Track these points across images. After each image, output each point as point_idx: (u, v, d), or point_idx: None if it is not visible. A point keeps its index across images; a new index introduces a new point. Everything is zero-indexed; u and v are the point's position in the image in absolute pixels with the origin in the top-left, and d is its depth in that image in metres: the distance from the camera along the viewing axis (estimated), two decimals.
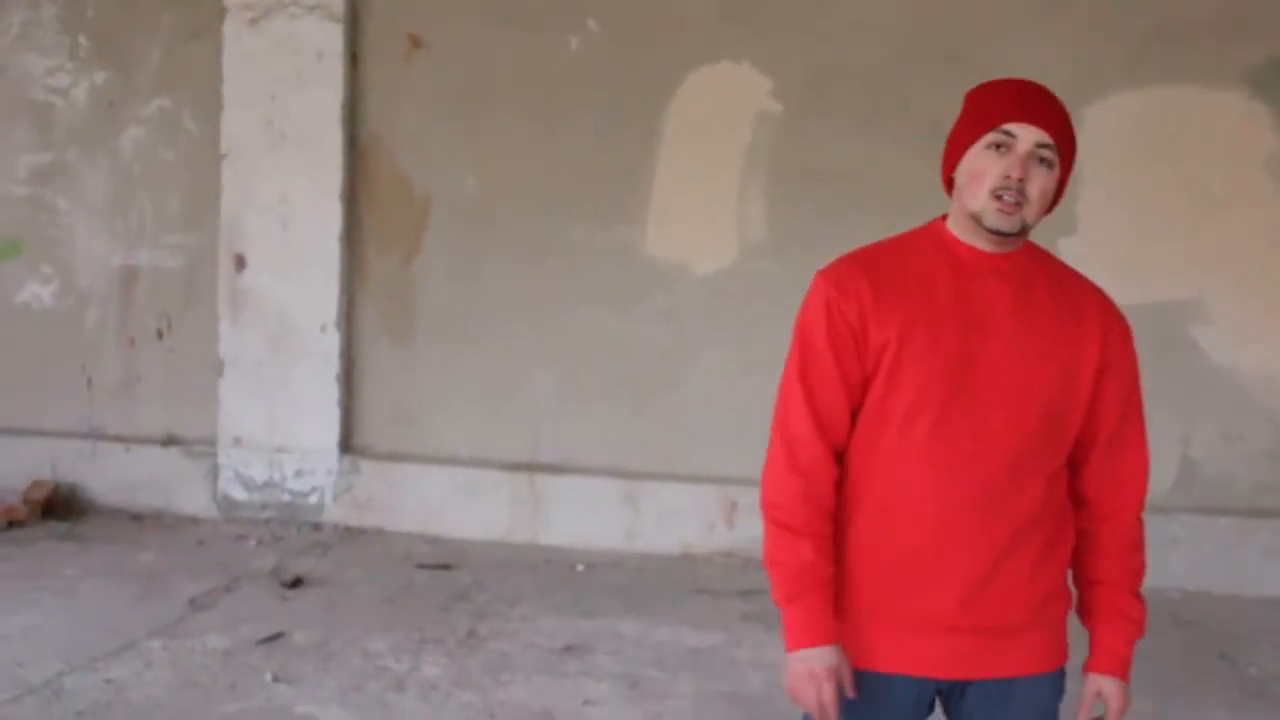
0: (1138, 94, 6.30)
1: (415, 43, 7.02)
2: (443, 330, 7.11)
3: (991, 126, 2.49)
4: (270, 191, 7.07)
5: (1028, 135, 2.47)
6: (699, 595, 6.23)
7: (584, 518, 6.91)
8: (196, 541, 6.87)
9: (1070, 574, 2.70)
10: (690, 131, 6.81)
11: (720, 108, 6.78)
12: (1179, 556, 6.23)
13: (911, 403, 2.52)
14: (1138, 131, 6.28)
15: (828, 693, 2.53)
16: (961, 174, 2.55)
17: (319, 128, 7.01)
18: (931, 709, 2.68)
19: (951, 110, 7.00)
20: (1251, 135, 6.29)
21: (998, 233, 2.51)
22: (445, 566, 6.54)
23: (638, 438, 6.95)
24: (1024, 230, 2.53)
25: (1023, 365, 2.52)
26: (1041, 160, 2.48)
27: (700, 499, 6.82)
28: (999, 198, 2.48)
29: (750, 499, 6.69)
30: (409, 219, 7.11)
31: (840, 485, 2.61)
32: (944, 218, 2.63)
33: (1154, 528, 6.13)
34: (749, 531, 6.73)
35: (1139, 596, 2.67)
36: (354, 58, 7.05)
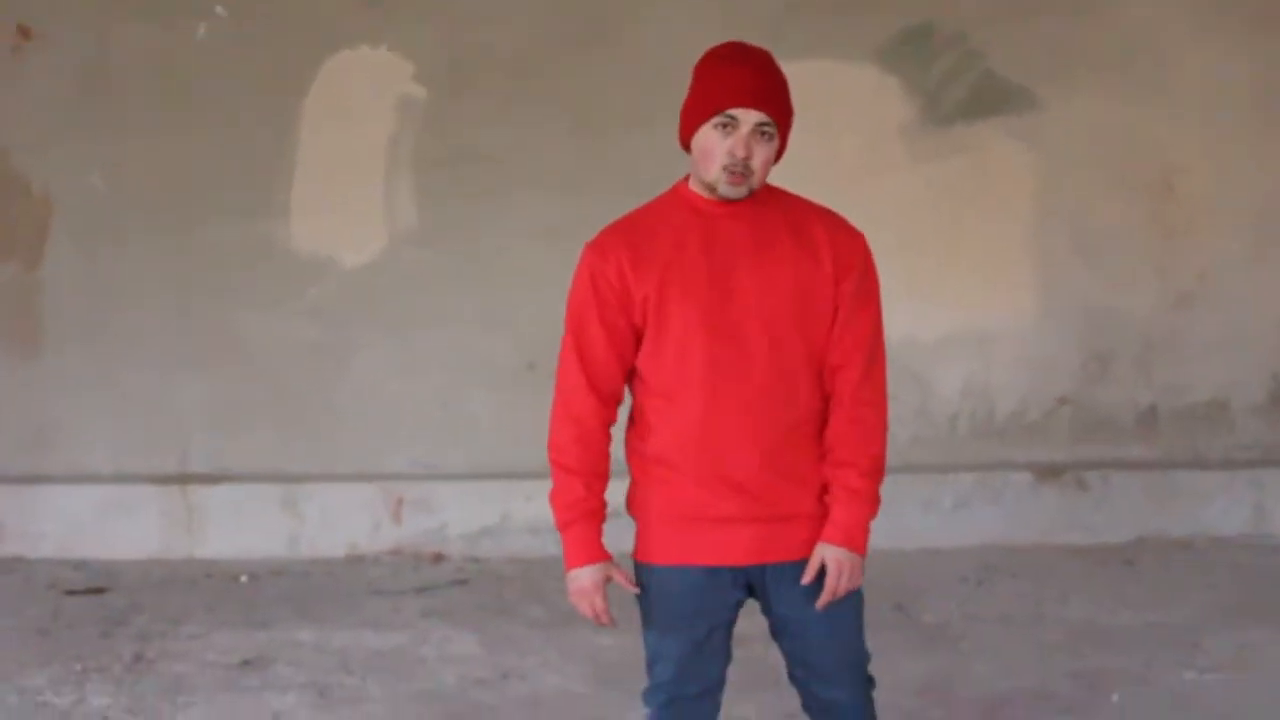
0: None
1: (25, 34, 6.53)
2: (75, 340, 6.65)
3: (716, 111, 2.84)
4: None
5: (749, 118, 2.83)
6: (374, 596, 6.03)
7: (243, 527, 6.58)
8: None
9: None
10: (331, 119, 6.58)
11: (361, 94, 6.57)
12: None
13: (679, 338, 2.90)
14: None
15: (599, 603, 2.97)
16: (695, 148, 2.91)
17: None
18: (745, 594, 3.01)
19: (597, 92, 7.08)
20: (885, 106, 6.54)
21: (729, 199, 2.92)
22: (98, 590, 6.12)
23: (295, 440, 6.69)
24: (752, 192, 2.92)
25: (767, 289, 2.91)
26: (763, 134, 2.85)
27: (364, 498, 6.61)
28: (728, 171, 2.86)
29: (415, 494, 6.61)
30: (29, 223, 6.62)
31: (641, 412, 3.02)
32: (687, 178, 3.01)
33: None
34: (417, 526, 6.58)
35: (869, 476, 2.96)
36: None
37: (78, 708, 4.78)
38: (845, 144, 6.47)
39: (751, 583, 3.00)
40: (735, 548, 2.95)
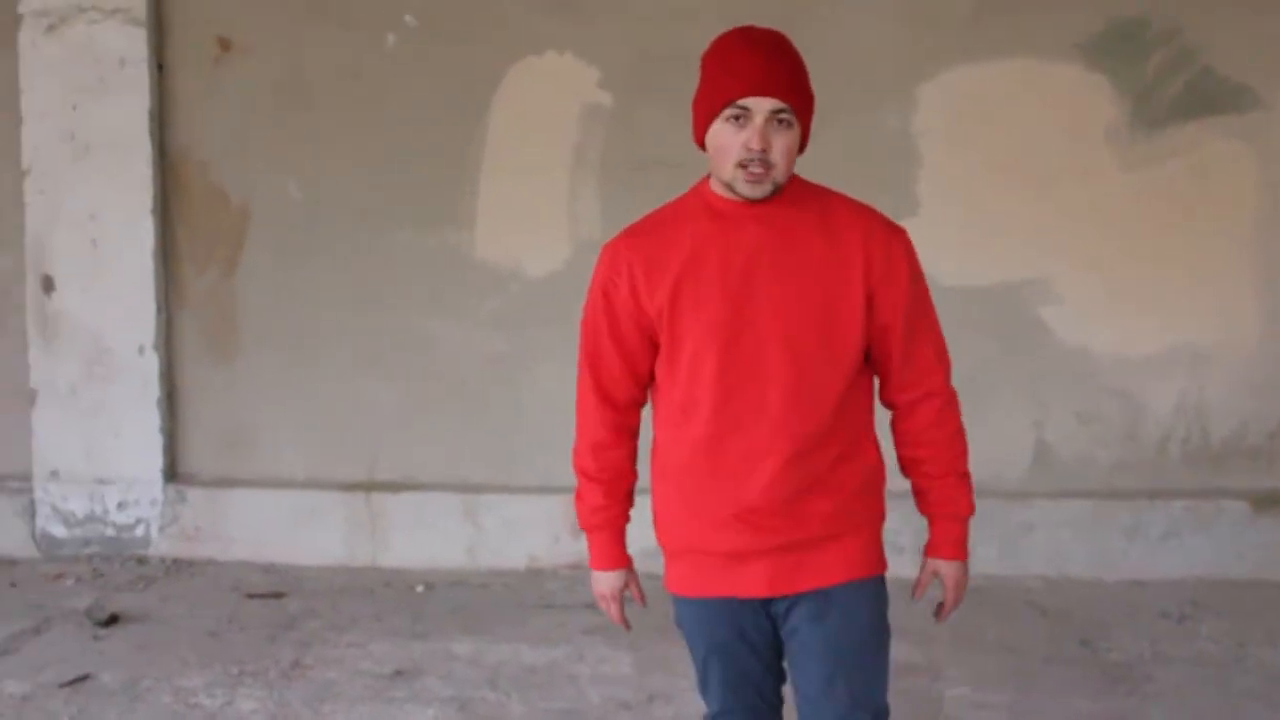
0: (971, 69, 6.11)
1: (224, 45, 6.66)
2: (269, 346, 6.75)
3: (726, 103, 2.64)
4: (77, 208, 6.67)
5: (761, 106, 2.61)
6: (542, 610, 5.92)
7: (424, 536, 6.57)
8: (9, 584, 6.42)
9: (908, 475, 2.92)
10: (517, 127, 6.52)
11: (547, 101, 6.50)
12: (1037, 542, 6.06)
13: (692, 356, 2.73)
14: (973, 107, 6.09)
15: (613, 610, 3.03)
16: (710, 145, 2.71)
17: (126, 139, 6.62)
18: (773, 626, 2.89)
19: None
20: (1090, 106, 6.14)
21: (751, 199, 2.69)
22: (277, 595, 6.18)
23: (476, 449, 6.64)
24: (777, 189, 2.69)
25: (789, 301, 2.68)
26: (780, 122, 2.63)
27: (544, 510, 6.51)
28: (745, 168, 2.63)
29: None
30: (227, 231, 6.75)
31: (658, 427, 2.88)
32: (708, 177, 2.80)
33: (1010, 514, 6.00)
34: None
35: (963, 479, 2.87)
36: (160, 64, 6.68)
37: (224, 710, 4.81)
38: (1046, 148, 6.09)
39: (775, 614, 2.88)
40: (752, 581, 2.81)
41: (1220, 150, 6.17)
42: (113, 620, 5.79)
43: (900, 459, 2.92)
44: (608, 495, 2.96)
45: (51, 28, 6.64)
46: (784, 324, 2.69)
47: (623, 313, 2.80)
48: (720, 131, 2.67)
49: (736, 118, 2.64)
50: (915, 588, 2.94)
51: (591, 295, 2.87)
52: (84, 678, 5.12)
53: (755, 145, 2.62)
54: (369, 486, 6.69)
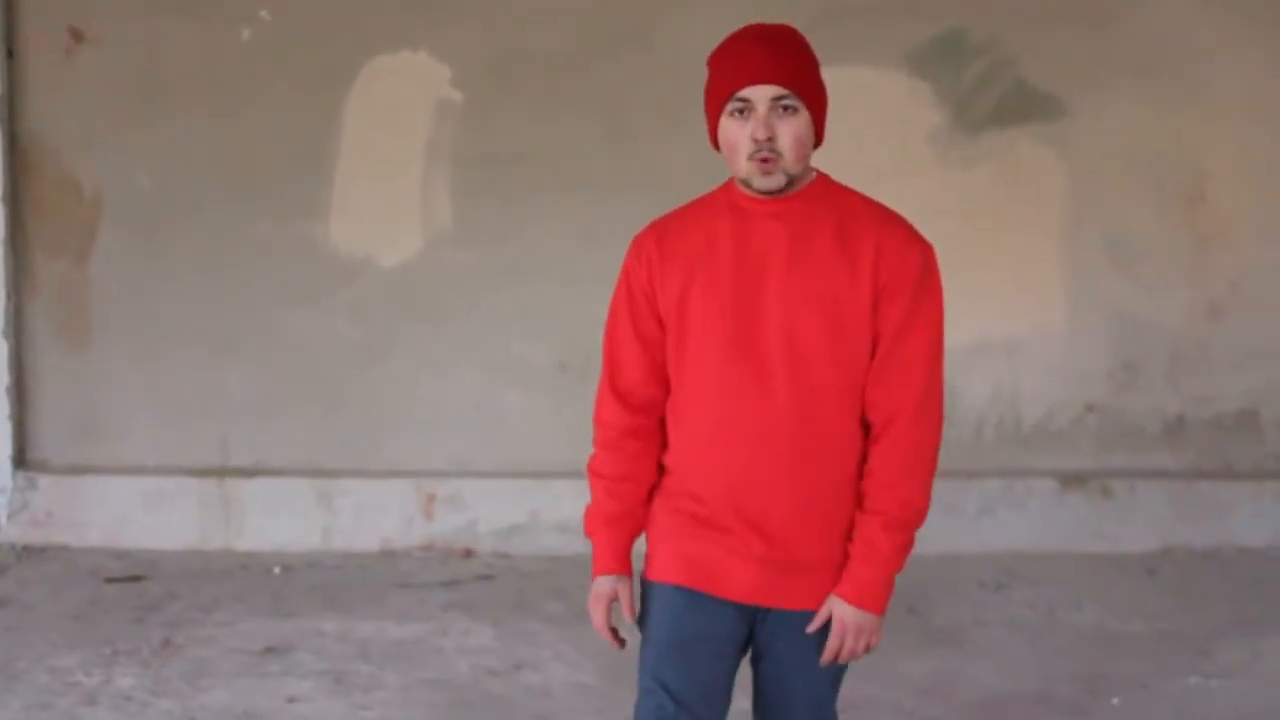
0: None
1: (77, 36, 6.72)
2: (122, 335, 6.82)
3: (727, 96, 2.61)
4: None
5: (762, 94, 2.58)
6: (401, 589, 6.15)
7: (279, 520, 6.73)
8: None
9: None
10: (371, 122, 6.71)
11: (400, 97, 6.71)
12: None
13: (697, 348, 2.69)
14: None
15: (597, 617, 2.80)
16: (722, 144, 2.68)
17: None
18: (748, 635, 2.77)
19: (633, 93, 7.14)
20: (914, 112, 6.59)
21: (766, 192, 2.65)
22: (136, 579, 6.29)
23: (330, 435, 6.82)
24: (792, 180, 2.66)
25: (794, 301, 2.63)
26: (784, 109, 2.59)
27: (397, 493, 6.74)
28: (755, 160, 2.60)
29: (447, 491, 6.74)
30: (79, 220, 6.80)
31: (665, 418, 2.80)
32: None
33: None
34: (448, 523, 6.70)
35: (896, 529, 2.66)
36: (10, 52, 6.71)
37: (104, 688, 4.94)
38: (874, 149, 6.51)
39: (755, 623, 2.77)
40: (742, 582, 2.71)
41: (1031, 154, 6.66)
42: None
43: None
44: (609, 493, 2.79)
45: None
46: (789, 325, 2.63)
47: (642, 300, 2.74)
48: (727, 127, 2.64)
49: (740, 110, 2.60)
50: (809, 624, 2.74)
51: (617, 287, 2.81)
52: None
53: (760, 135, 2.57)
54: (222, 472, 6.83)
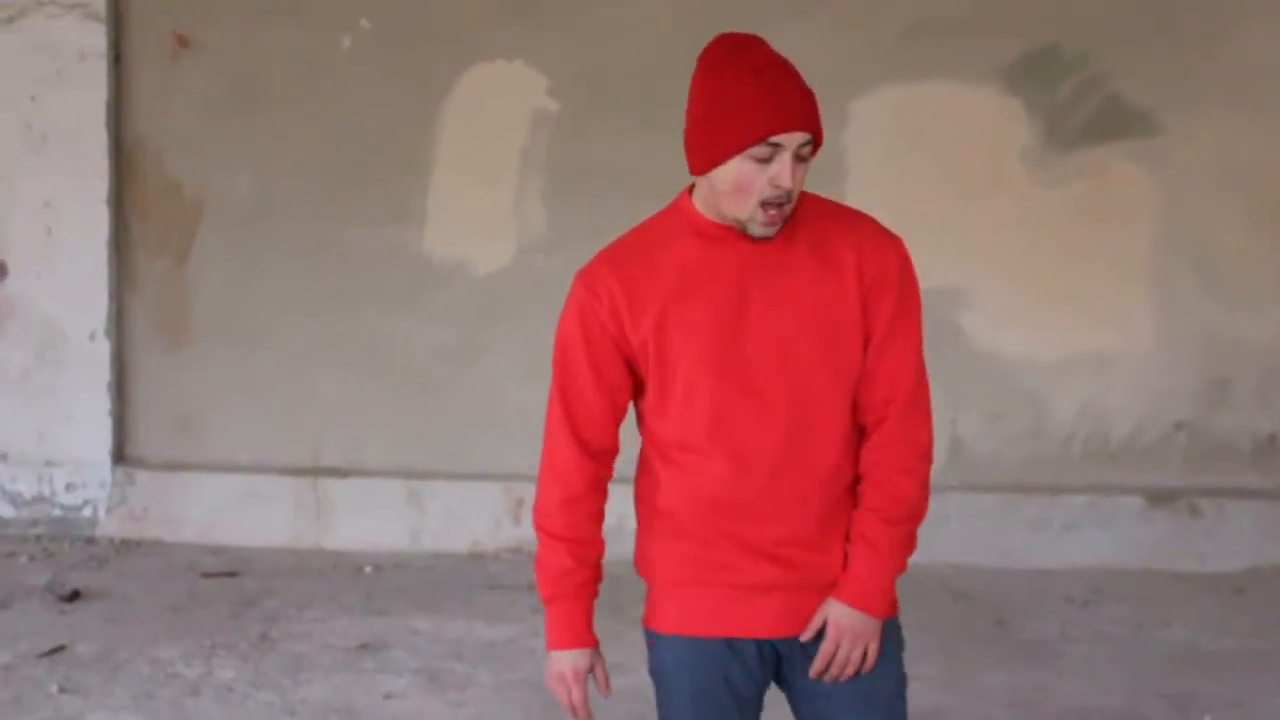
0: (899, 89, 6.55)
1: (182, 42, 6.88)
2: (220, 334, 6.98)
3: (758, 140, 2.38)
4: (33, 196, 6.86)
5: (792, 140, 2.40)
6: (490, 591, 6.24)
7: (369, 520, 6.85)
8: None
9: None
10: (467, 130, 6.83)
11: (497, 106, 6.81)
12: (950, 533, 6.48)
13: (686, 386, 2.51)
14: (900, 125, 6.54)
15: (576, 694, 2.62)
16: (723, 180, 2.44)
17: (83, 130, 6.83)
18: (773, 674, 2.62)
19: None
20: (1006, 128, 6.60)
21: (760, 237, 2.49)
22: (231, 574, 6.43)
23: (421, 437, 6.94)
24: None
25: (783, 321, 2.49)
26: (801, 158, 2.43)
27: (486, 496, 6.84)
28: (765, 207, 2.43)
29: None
30: (181, 221, 6.97)
31: (649, 462, 2.62)
32: (689, 191, 2.58)
33: (928, 506, 6.40)
34: None
35: (895, 524, 2.54)
36: (118, 58, 6.88)
37: (205, 679, 5.07)
38: (965, 165, 6.54)
39: (780, 656, 2.60)
40: (761, 617, 2.56)
41: (1124, 171, 6.66)
42: (75, 596, 6.00)
43: None
44: (575, 558, 2.61)
45: (9, 20, 6.81)
46: (781, 346, 2.50)
47: (603, 342, 2.54)
48: (742, 169, 2.41)
49: (767, 156, 2.40)
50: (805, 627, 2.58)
51: (564, 328, 2.58)
52: (60, 648, 5.34)
53: (786, 183, 2.40)
54: (315, 472, 6.96)
